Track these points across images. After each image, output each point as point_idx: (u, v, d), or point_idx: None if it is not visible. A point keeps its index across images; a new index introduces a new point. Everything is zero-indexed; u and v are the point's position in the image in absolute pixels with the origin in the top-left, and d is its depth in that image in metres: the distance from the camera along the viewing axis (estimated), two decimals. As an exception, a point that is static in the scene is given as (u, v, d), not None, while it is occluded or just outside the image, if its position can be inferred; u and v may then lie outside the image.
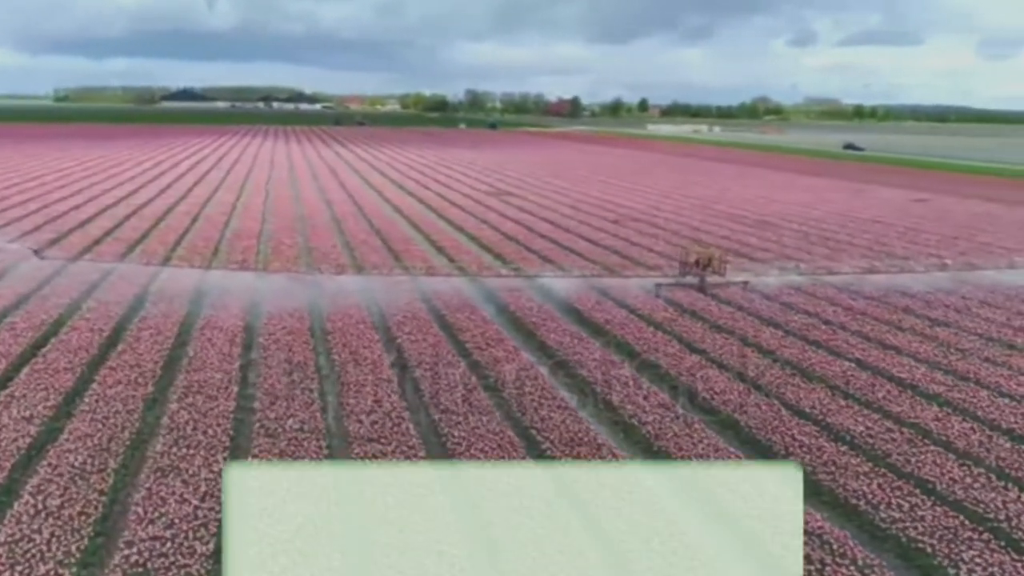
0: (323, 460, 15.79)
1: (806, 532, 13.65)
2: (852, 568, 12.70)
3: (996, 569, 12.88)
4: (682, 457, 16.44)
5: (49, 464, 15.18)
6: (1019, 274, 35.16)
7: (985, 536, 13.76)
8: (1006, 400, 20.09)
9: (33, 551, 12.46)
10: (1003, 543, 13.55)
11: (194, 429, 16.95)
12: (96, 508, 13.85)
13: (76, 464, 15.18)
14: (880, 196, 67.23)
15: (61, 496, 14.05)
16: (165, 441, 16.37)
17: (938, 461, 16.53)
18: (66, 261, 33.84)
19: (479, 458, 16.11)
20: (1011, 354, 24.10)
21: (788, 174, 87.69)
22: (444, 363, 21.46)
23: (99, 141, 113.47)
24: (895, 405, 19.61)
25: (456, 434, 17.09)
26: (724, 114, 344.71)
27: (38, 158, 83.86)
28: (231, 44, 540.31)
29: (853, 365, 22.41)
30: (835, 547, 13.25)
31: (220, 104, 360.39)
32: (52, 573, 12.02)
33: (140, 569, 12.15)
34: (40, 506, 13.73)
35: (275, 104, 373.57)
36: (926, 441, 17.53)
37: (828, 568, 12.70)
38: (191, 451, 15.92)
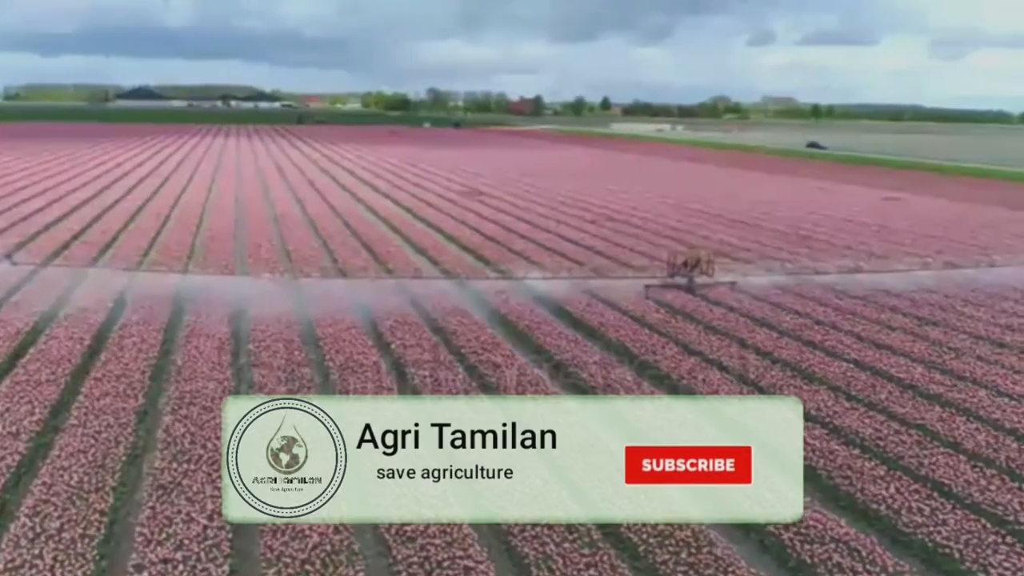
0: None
1: (833, 539, 13.50)
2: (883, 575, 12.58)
3: (1025, 574, 12.85)
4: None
5: (43, 483, 14.44)
6: (998, 273, 35.67)
7: (1009, 540, 13.71)
8: (1006, 400, 20.18)
9: (37, 578, 11.80)
10: (1028, 547, 13.53)
11: (192, 443, 16.28)
12: (98, 529, 13.18)
13: (72, 483, 14.46)
14: (849, 195, 68.06)
15: (60, 517, 13.35)
16: (163, 456, 15.70)
17: (950, 463, 16.50)
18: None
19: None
20: (1002, 352, 24.32)
21: (757, 173, 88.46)
22: (444, 368, 21.04)
23: (50, 140, 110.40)
24: (898, 406, 19.60)
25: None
26: (685, 113, 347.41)
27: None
28: (188, 41, 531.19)
29: (851, 366, 22.41)
30: (864, 554, 13.11)
31: (177, 103, 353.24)
32: (59, 602, 11.39)
33: (153, 595, 11.57)
34: (39, 528, 13.02)
35: (234, 103, 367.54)
36: (935, 443, 17.51)
37: (860, 576, 12.56)
38: (192, 466, 15.28)
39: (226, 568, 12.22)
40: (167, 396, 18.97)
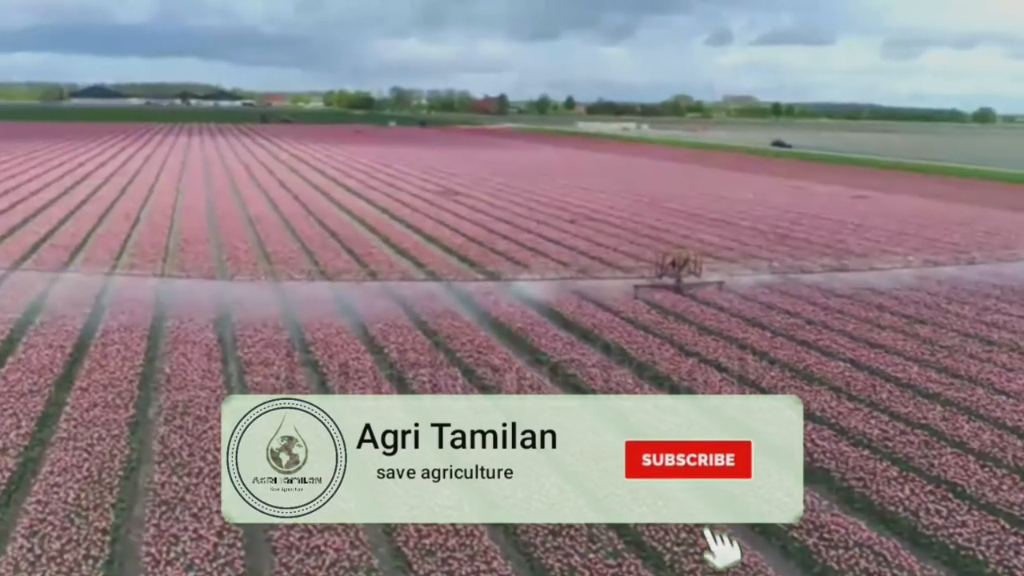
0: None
1: (856, 544, 13.36)
2: (912, 580, 12.46)
3: (1050, 575, 12.82)
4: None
5: (38, 501, 13.76)
6: (978, 270, 36.17)
7: (1029, 540, 13.71)
8: (1004, 397, 20.32)
9: (42, 604, 11.19)
10: (1049, 547, 13.52)
11: (191, 455, 15.68)
12: (102, 550, 12.56)
13: (69, 500, 13.79)
14: (819, 193, 68.80)
15: (59, 538, 12.70)
16: (161, 470, 15.08)
17: (960, 463, 16.50)
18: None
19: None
20: (992, 350, 24.54)
21: (727, 171, 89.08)
22: (442, 372, 20.63)
23: (4, 140, 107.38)
24: (900, 406, 19.62)
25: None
26: (648, 111, 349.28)
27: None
28: (144, 39, 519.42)
29: (849, 366, 22.43)
30: (889, 559, 12.99)
31: (134, 101, 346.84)
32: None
33: (169, 619, 11.03)
34: (38, 550, 12.38)
35: (193, 101, 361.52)
36: (941, 443, 17.53)
37: (889, 581, 12.43)
38: (194, 480, 14.69)
39: (242, 588, 11.71)
40: (159, 406, 18.30)
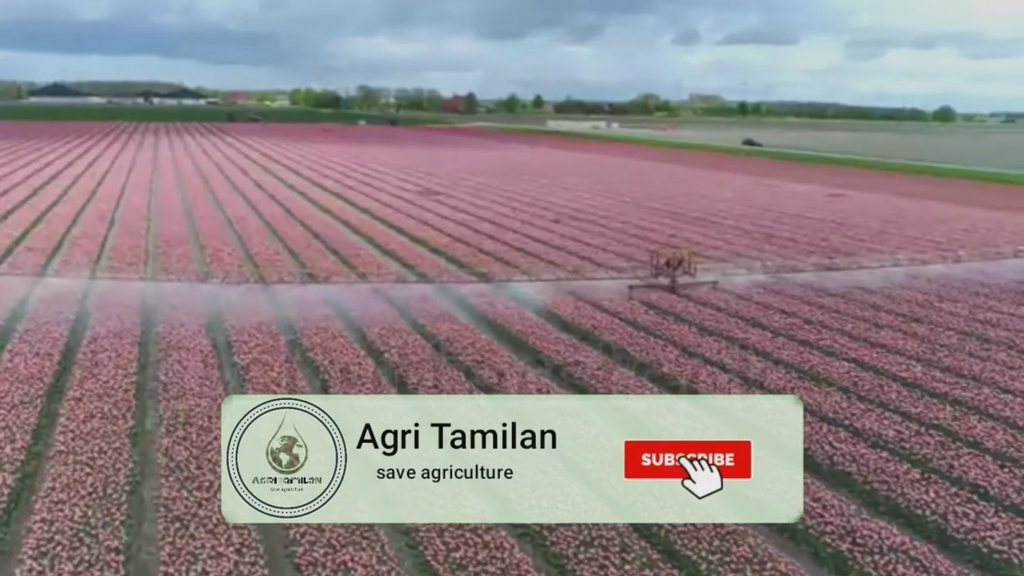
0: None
1: (890, 549, 13.18)
2: (951, 586, 12.30)
3: (1085, 577, 12.74)
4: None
5: (42, 519, 13.10)
6: (964, 268, 36.48)
7: (1060, 542, 13.63)
8: (1010, 396, 20.36)
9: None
10: (1080, 549, 13.45)
11: (199, 468, 15.09)
12: (117, 572, 11.96)
13: (76, 518, 13.16)
14: (795, 191, 69.23)
15: (71, 559, 12.09)
16: (169, 484, 14.49)
17: (979, 464, 16.44)
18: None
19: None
20: (990, 348, 24.64)
21: (702, 170, 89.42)
22: (446, 377, 20.20)
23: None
24: (910, 406, 19.56)
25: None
26: (617, 110, 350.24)
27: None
28: (105, 36, 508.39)
29: (854, 366, 22.36)
30: (926, 564, 12.82)
31: (96, 100, 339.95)
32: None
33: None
34: (49, 573, 11.74)
35: (156, 100, 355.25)
36: (957, 443, 17.46)
37: (930, 588, 12.25)
38: (205, 494, 14.10)
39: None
40: (158, 416, 17.66)
